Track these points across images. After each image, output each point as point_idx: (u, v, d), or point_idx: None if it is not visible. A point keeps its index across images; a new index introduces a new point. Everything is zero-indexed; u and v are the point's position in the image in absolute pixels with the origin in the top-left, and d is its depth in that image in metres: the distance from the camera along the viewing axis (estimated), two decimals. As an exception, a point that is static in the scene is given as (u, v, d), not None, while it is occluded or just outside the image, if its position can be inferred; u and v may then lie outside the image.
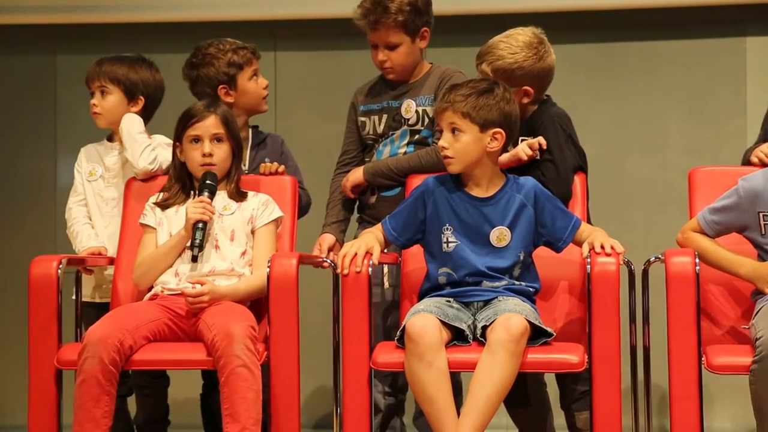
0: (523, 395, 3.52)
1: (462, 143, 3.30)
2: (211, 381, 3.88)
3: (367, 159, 3.91)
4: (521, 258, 3.35)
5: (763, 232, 3.33)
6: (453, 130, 3.30)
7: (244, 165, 3.86)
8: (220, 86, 3.89)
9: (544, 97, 3.67)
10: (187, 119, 3.60)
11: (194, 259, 3.47)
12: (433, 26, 3.84)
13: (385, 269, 3.72)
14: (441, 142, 3.33)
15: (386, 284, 3.73)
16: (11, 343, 4.96)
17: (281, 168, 3.80)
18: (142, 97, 3.86)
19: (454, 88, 3.35)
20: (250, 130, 3.99)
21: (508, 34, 3.62)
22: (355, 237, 3.67)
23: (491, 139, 3.31)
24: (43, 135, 5.19)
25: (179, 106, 3.74)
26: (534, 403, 3.58)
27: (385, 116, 3.85)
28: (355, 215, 3.95)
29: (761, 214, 3.32)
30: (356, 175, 3.83)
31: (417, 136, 3.81)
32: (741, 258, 3.32)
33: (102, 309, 3.65)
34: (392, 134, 3.84)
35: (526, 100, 3.60)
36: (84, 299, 3.75)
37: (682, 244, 3.40)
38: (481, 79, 3.38)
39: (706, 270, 3.32)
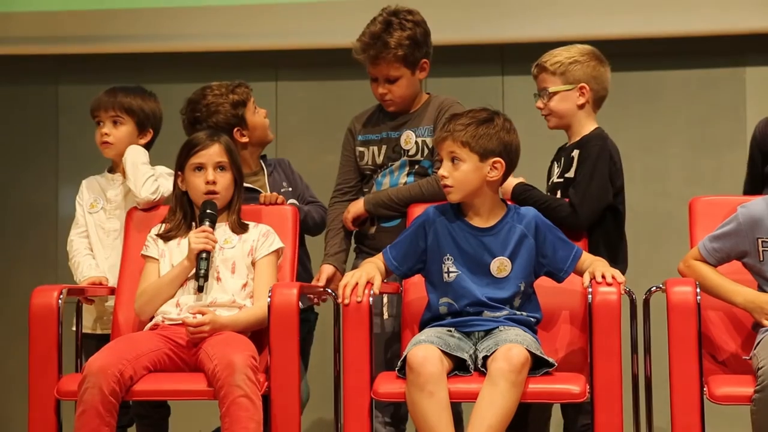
0: (523, 422, 3.51)
1: (461, 172, 3.31)
2: None
3: (365, 189, 3.91)
4: (522, 288, 3.35)
5: (761, 259, 3.33)
6: (453, 159, 3.31)
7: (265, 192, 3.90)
8: (235, 130, 3.91)
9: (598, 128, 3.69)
10: (190, 147, 3.62)
11: (200, 289, 3.47)
12: (431, 57, 3.86)
13: (385, 299, 3.71)
14: (441, 171, 3.33)
15: (386, 315, 3.73)
16: (11, 374, 4.95)
17: (281, 198, 3.81)
18: (151, 130, 3.87)
19: (454, 118, 3.36)
20: (261, 161, 4.02)
21: (564, 46, 3.71)
22: (354, 267, 3.67)
23: (491, 169, 3.32)
24: (45, 165, 5.21)
25: (179, 137, 3.75)
26: (532, 430, 3.57)
27: (384, 147, 3.86)
28: (353, 245, 3.94)
29: (760, 241, 3.33)
30: (357, 207, 3.83)
31: (417, 167, 3.82)
32: (739, 287, 3.32)
33: (102, 340, 3.64)
34: (391, 165, 3.84)
35: (581, 100, 3.64)
36: (84, 330, 3.74)
37: (683, 273, 3.40)
38: (481, 108, 3.39)
39: (707, 300, 3.32)
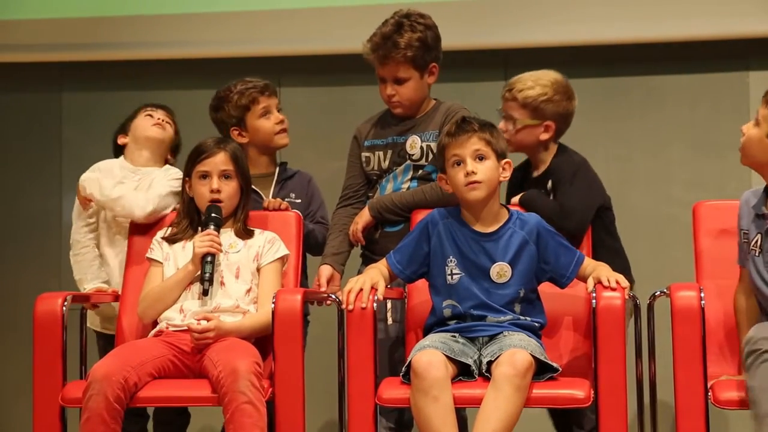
0: None
1: (488, 168, 3.34)
2: None
3: (370, 194, 3.91)
4: (521, 294, 3.35)
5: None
6: (477, 158, 3.33)
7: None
8: (233, 128, 3.94)
9: (561, 145, 3.73)
10: (196, 155, 3.62)
11: (205, 293, 3.47)
12: (441, 59, 3.86)
13: (389, 305, 3.71)
14: (469, 168, 3.32)
15: (390, 320, 3.72)
16: (16, 380, 4.95)
17: (284, 204, 3.81)
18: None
19: (466, 120, 3.38)
20: (278, 167, 4.03)
21: (536, 73, 3.71)
22: (359, 273, 3.67)
23: (503, 169, 3.37)
24: (48, 172, 5.21)
25: (185, 143, 3.75)
26: None
27: (390, 152, 3.86)
28: (359, 251, 3.94)
29: (742, 232, 3.32)
30: (365, 217, 3.81)
31: (420, 172, 3.82)
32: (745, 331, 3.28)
33: (109, 341, 3.68)
34: (395, 169, 3.84)
35: (545, 136, 3.66)
36: (97, 329, 3.80)
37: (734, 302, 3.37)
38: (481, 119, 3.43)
39: (711, 304, 3.32)
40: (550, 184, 3.65)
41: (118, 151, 3.94)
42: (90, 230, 3.87)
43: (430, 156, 3.80)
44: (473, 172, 3.33)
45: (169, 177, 3.82)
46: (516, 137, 3.69)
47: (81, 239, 3.86)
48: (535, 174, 3.74)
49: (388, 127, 3.90)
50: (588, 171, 3.67)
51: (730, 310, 3.38)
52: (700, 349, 3.18)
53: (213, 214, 3.56)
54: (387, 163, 3.86)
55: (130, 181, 3.83)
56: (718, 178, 4.80)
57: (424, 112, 3.87)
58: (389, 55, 3.75)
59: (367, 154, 3.90)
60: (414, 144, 3.82)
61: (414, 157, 3.82)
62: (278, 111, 4.01)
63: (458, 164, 3.35)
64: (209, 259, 3.48)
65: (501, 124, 3.70)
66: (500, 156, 3.36)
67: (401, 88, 3.80)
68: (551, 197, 3.64)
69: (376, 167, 3.88)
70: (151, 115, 3.92)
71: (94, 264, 3.83)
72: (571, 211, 3.55)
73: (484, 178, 3.33)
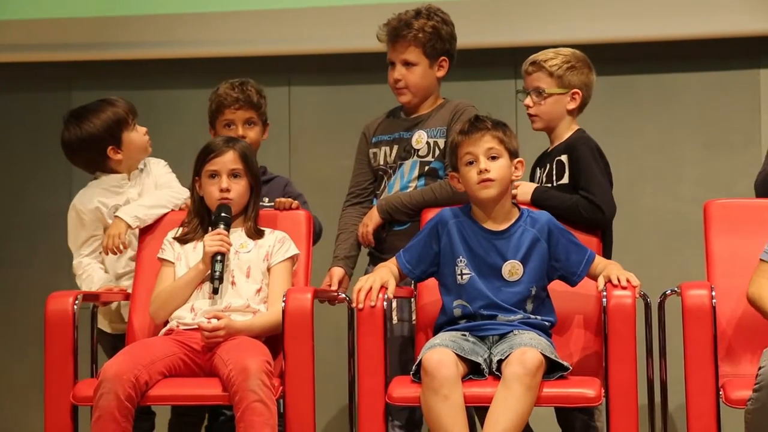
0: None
1: (501, 166, 3.34)
2: (214, 414, 3.90)
3: (377, 192, 3.91)
4: (533, 292, 3.35)
5: None
6: (490, 156, 3.34)
7: None
8: (210, 127, 3.97)
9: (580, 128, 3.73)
10: (205, 154, 3.62)
11: (215, 291, 3.47)
12: (455, 61, 3.86)
13: (394, 304, 3.70)
14: (482, 166, 3.33)
15: (395, 319, 3.71)
16: (26, 379, 4.96)
17: (295, 203, 3.81)
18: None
19: (479, 118, 3.39)
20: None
21: (551, 49, 3.73)
22: (366, 272, 3.67)
23: (515, 168, 3.37)
24: (58, 170, 5.21)
25: (194, 142, 3.76)
26: None
27: (396, 147, 3.86)
28: (366, 250, 3.94)
29: None
30: (374, 219, 3.81)
31: (427, 168, 3.81)
32: None
33: (118, 339, 3.69)
34: (402, 165, 3.84)
35: (572, 105, 3.67)
36: (102, 327, 3.80)
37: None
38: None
39: (722, 303, 3.31)
40: (564, 158, 3.64)
41: (101, 158, 3.87)
42: (92, 250, 3.86)
43: (437, 152, 3.80)
44: (486, 170, 3.33)
45: (164, 167, 3.89)
46: (543, 108, 3.69)
47: (83, 261, 3.85)
48: (550, 148, 3.74)
49: (395, 123, 3.90)
50: (604, 157, 3.67)
51: (741, 309, 3.38)
52: (711, 348, 3.17)
53: (223, 214, 3.57)
54: (393, 157, 3.86)
55: (130, 190, 3.84)
56: (728, 176, 4.79)
57: (431, 109, 3.87)
58: (400, 34, 3.78)
59: (374, 150, 3.91)
60: (420, 139, 3.82)
61: (420, 153, 3.82)
62: (249, 124, 3.93)
63: (471, 163, 3.35)
64: (219, 257, 3.48)
65: (527, 101, 3.71)
66: (513, 155, 3.37)
67: (408, 73, 3.81)
68: (564, 175, 3.63)
69: (382, 162, 3.88)
70: (136, 127, 3.85)
71: (100, 272, 3.82)
72: (603, 203, 3.55)
73: (497, 177, 3.34)
